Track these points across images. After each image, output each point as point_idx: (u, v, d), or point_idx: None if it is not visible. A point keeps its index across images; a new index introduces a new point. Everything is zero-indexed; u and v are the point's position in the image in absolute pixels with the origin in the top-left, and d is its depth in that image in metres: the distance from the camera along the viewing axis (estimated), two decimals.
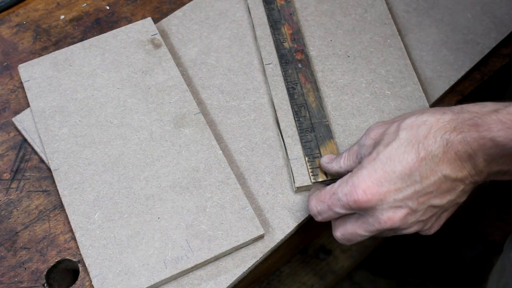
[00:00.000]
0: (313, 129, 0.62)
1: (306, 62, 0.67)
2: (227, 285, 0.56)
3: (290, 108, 0.64)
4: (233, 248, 0.56)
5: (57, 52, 0.67)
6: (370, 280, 1.25)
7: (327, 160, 0.58)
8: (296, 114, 0.63)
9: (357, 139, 0.59)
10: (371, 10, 0.71)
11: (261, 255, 0.57)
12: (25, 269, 0.57)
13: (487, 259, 1.24)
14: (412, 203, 0.49)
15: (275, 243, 0.58)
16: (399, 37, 0.69)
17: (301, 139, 0.62)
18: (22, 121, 0.64)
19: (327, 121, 0.63)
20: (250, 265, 0.57)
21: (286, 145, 0.61)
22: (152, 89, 0.65)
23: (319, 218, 0.54)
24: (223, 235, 0.56)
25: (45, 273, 0.56)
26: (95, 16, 0.73)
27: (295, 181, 0.59)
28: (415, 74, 0.67)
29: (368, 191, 0.48)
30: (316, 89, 0.65)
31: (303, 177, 0.59)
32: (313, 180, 0.59)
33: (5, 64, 0.69)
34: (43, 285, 0.56)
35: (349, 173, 0.50)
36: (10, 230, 0.59)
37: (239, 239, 0.56)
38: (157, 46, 0.68)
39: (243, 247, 0.57)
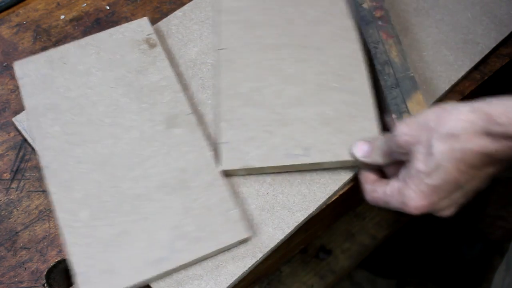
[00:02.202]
0: (398, 84, 0.62)
1: (386, 17, 0.67)
2: (227, 285, 0.56)
3: (232, 94, 0.63)
4: (218, 250, 0.56)
5: (52, 50, 0.67)
6: (370, 280, 1.25)
7: (360, 154, 0.58)
8: (380, 72, 0.64)
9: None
10: (336, 1, 0.71)
11: (261, 255, 0.57)
12: (25, 269, 0.57)
13: (487, 259, 1.24)
14: (461, 199, 0.52)
15: (275, 243, 0.58)
16: (357, 31, 0.68)
17: (387, 97, 0.62)
18: (22, 121, 0.64)
19: (412, 73, 0.63)
20: (250, 265, 0.57)
21: (220, 128, 0.61)
22: (145, 89, 0.65)
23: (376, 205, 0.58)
24: (209, 237, 0.56)
25: (45, 273, 0.57)
26: (95, 16, 0.73)
27: (222, 164, 0.59)
28: (364, 68, 0.66)
29: (419, 207, 0.51)
30: (398, 42, 0.65)
31: (230, 161, 0.60)
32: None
33: (5, 64, 0.69)
34: (43, 285, 0.56)
35: (397, 184, 0.53)
36: (10, 230, 0.59)
37: (224, 242, 0.56)
38: (152, 45, 0.68)
39: (229, 249, 0.57)
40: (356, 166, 0.61)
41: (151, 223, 0.57)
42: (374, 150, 0.58)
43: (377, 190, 0.56)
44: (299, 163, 0.60)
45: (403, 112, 0.61)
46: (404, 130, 0.52)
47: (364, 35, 0.67)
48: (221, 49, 0.66)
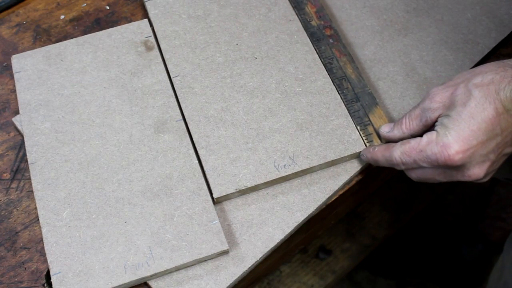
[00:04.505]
0: (358, 99, 0.64)
1: (337, 36, 0.68)
2: (227, 285, 0.56)
3: (201, 119, 0.62)
4: (196, 261, 0.56)
5: (50, 46, 0.68)
6: (370, 280, 1.25)
7: (386, 130, 0.60)
8: (339, 87, 0.65)
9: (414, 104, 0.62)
10: (274, 8, 0.71)
11: (261, 255, 0.57)
12: (25, 269, 0.57)
13: (487, 259, 1.24)
14: (493, 155, 0.53)
15: (275, 243, 0.58)
16: (305, 32, 0.69)
17: (349, 110, 0.63)
18: (22, 121, 0.64)
19: (369, 89, 0.64)
20: (250, 265, 0.57)
21: (201, 157, 0.60)
22: (138, 92, 0.65)
23: (401, 167, 0.57)
24: (187, 246, 0.56)
25: (45, 273, 0.57)
26: (95, 16, 0.73)
27: (213, 192, 0.58)
28: (324, 67, 0.67)
29: (460, 151, 0.51)
30: (352, 60, 0.66)
31: (221, 187, 0.59)
32: (367, 147, 0.61)
33: (5, 64, 0.69)
34: (43, 285, 0.56)
35: (435, 133, 0.53)
36: (10, 230, 0.59)
37: (202, 252, 0.55)
38: (149, 48, 0.68)
39: (206, 260, 0.57)
40: (348, 161, 0.62)
41: (130, 227, 0.57)
42: (398, 124, 0.59)
43: (410, 141, 0.55)
44: (290, 172, 0.60)
45: (367, 125, 0.62)
46: (439, 87, 0.55)
47: (317, 50, 0.67)
48: (174, 77, 0.65)
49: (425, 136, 0.54)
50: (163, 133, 0.62)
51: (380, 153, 0.58)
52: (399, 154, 0.56)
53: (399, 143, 0.56)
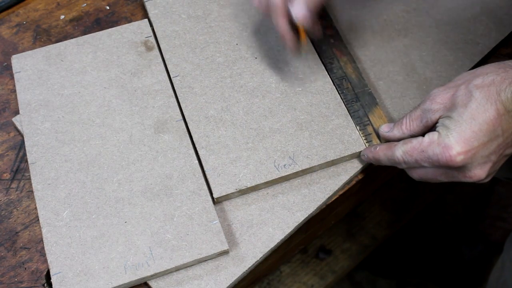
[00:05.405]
0: (358, 99, 0.64)
1: (338, 36, 0.68)
2: (227, 285, 0.56)
3: (201, 119, 0.63)
4: (196, 261, 0.56)
5: (50, 46, 0.68)
6: (370, 280, 1.25)
7: (386, 129, 0.60)
8: (339, 87, 0.65)
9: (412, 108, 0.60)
10: None
11: (261, 255, 0.57)
12: (25, 269, 0.57)
13: (487, 259, 1.24)
14: (494, 157, 0.53)
15: (275, 243, 0.58)
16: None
17: (348, 110, 0.63)
18: (22, 121, 0.64)
19: (369, 89, 0.64)
20: (250, 265, 0.57)
21: (201, 157, 0.60)
22: (138, 92, 0.65)
23: (403, 166, 0.57)
24: (187, 246, 0.56)
25: (45, 273, 0.57)
26: (95, 16, 0.73)
27: (213, 192, 0.59)
28: (324, 67, 0.67)
29: (461, 152, 0.51)
30: (352, 60, 0.66)
31: (221, 187, 0.59)
32: (367, 146, 0.61)
33: (5, 64, 0.69)
34: (43, 285, 0.56)
35: (437, 134, 0.53)
36: (10, 230, 0.59)
37: (202, 252, 0.55)
38: (149, 48, 0.68)
39: (206, 260, 0.57)
40: (348, 161, 0.62)
41: (130, 227, 0.57)
42: (398, 124, 0.59)
43: (412, 141, 0.55)
44: (290, 172, 0.60)
45: (366, 125, 0.62)
46: (440, 89, 0.55)
47: (318, 50, 0.68)
48: (174, 77, 0.65)
49: (426, 136, 0.54)
50: (163, 133, 0.62)
51: (382, 152, 0.58)
52: (401, 153, 0.56)
53: (401, 142, 0.56)
